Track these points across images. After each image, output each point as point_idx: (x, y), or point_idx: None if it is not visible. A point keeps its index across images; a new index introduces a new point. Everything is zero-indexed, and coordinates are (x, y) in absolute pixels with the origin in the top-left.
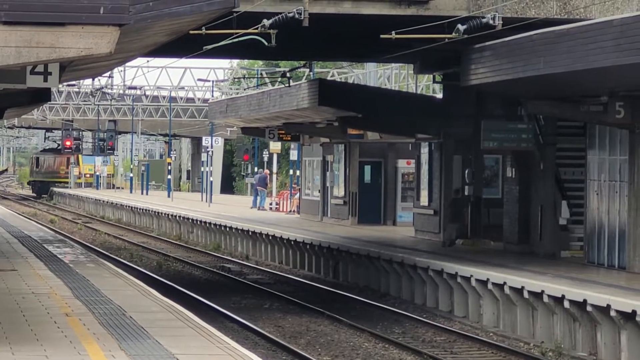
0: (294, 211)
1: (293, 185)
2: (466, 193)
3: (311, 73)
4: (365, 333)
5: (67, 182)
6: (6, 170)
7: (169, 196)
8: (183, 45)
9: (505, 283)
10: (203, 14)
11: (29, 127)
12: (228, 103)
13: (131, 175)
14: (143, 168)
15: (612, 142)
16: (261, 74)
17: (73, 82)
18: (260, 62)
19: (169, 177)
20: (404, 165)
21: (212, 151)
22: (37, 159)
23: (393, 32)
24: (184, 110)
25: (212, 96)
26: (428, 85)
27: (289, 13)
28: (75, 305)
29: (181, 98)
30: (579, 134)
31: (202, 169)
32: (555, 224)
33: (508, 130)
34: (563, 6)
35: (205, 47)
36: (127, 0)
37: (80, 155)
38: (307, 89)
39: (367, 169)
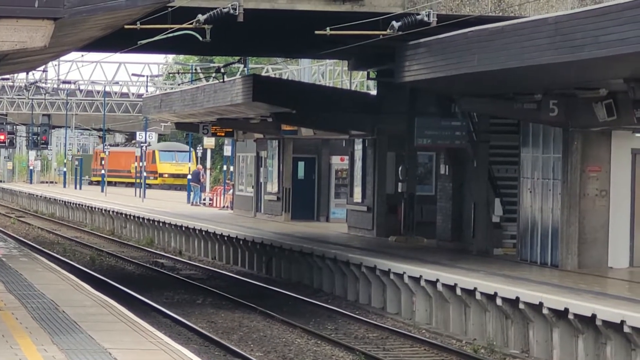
0: (227, 207)
1: (227, 181)
2: (399, 190)
3: (245, 69)
4: (297, 329)
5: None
6: None
7: (102, 191)
8: (118, 39)
9: (438, 280)
10: (138, 8)
11: None
12: (162, 98)
13: (65, 169)
14: (77, 162)
15: (545, 140)
16: (195, 69)
17: (7, 76)
18: (195, 58)
19: (103, 171)
20: (338, 162)
21: (146, 146)
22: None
23: (328, 28)
24: (118, 105)
25: (147, 91)
26: (362, 82)
27: (223, 8)
28: (8, 299)
29: (115, 93)
30: (512, 132)
31: (136, 164)
32: (489, 222)
33: (442, 127)
34: (498, 4)
35: (140, 41)
36: None
37: (157, 151)
38: (242, 84)
39: (301, 165)
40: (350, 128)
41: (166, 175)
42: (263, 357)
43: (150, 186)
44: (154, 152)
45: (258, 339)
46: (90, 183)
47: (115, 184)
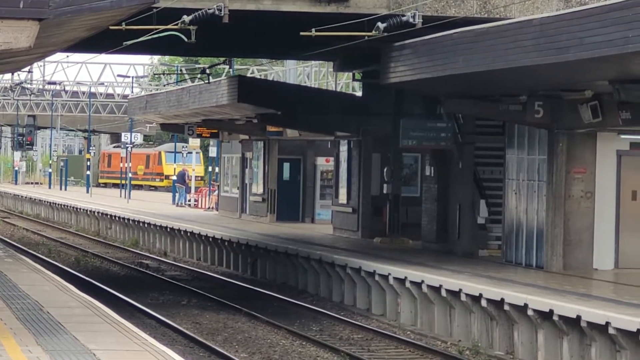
0: (212, 208)
1: (212, 182)
2: (385, 191)
3: (231, 70)
4: (282, 330)
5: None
6: None
7: (87, 192)
8: (103, 40)
9: (423, 281)
10: (123, 9)
11: None
12: (147, 99)
13: (50, 170)
14: (62, 164)
15: (530, 142)
16: (181, 70)
17: None
18: (180, 59)
19: (88, 172)
20: (323, 163)
21: (131, 147)
22: (110, 156)
23: (313, 29)
24: (103, 106)
25: (132, 92)
26: (348, 84)
27: (209, 9)
28: None
29: (101, 94)
30: (497, 133)
31: (121, 165)
32: (474, 223)
33: (427, 128)
34: (483, 5)
35: (125, 42)
36: None
37: (163, 152)
38: (227, 85)
39: (286, 166)
40: (336, 129)
41: (172, 177)
42: (248, 358)
43: (156, 188)
44: (160, 153)
45: (243, 340)
46: (97, 185)
47: (121, 186)
